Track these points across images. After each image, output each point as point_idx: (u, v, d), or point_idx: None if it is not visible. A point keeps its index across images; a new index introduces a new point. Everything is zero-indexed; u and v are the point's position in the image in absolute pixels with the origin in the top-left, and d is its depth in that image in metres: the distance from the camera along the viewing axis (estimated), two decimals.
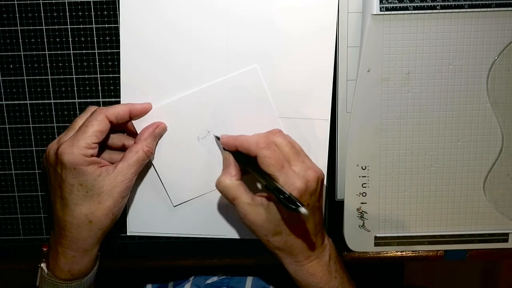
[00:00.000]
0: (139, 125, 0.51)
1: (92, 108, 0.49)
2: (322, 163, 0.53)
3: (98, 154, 0.49)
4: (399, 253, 0.57)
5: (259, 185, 0.53)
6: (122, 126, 0.52)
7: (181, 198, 0.54)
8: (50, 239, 0.50)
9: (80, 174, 0.46)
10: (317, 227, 0.49)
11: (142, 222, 0.55)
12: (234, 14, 0.51)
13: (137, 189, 0.54)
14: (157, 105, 0.52)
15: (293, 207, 0.43)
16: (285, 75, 0.52)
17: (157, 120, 0.52)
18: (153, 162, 0.53)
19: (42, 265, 0.50)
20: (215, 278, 0.62)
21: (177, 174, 0.53)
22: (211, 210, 0.55)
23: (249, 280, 0.61)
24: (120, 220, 0.56)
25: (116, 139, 0.52)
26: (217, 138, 0.52)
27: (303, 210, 0.42)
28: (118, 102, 0.53)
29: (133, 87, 0.52)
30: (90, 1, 0.51)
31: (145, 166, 0.53)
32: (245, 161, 0.49)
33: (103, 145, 0.51)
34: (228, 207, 0.55)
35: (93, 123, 0.47)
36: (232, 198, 0.48)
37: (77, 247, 0.48)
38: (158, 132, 0.51)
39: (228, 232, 0.56)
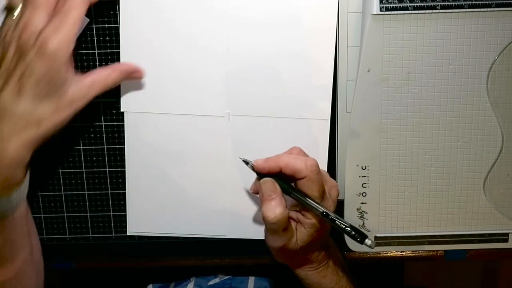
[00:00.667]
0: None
1: None
2: (322, 163, 0.53)
3: None
4: (399, 253, 0.57)
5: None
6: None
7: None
8: None
9: (55, 69, 0.40)
10: (328, 233, 0.49)
11: (142, 222, 0.55)
12: (234, 14, 0.51)
13: (137, 189, 0.54)
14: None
15: (359, 239, 0.43)
16: (285, 75, 0.52)
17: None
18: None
19: None
20: (217, 280, 0.62)
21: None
22: (211, 210, 0.55)
23: (251, 280, 0.61)
24: (120, 220, 0.56)
25: None
26: (246, 163, 0.47)
27: (369, 242, 0.42)
28: (119, 101, 0.53)
29: (133, 87, 0.52)
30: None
31: (145, 167, 0.53)
32: (287, 188, 0.45)
33: None
34: (228, 207, 0.55)
35: (77, 7, 0.41)
36: (283, 228, 0.45)
37: None
38: (131, 71, 0.48)
39: (228, 232, 0.56)
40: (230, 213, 0.55)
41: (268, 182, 0.45)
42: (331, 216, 0.44)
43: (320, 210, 0.44)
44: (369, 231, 0.55)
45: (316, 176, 0.44)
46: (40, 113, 0.41)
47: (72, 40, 0.41)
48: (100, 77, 0.45)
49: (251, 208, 0.55)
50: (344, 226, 0.44)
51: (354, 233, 0.43)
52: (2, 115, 0.40)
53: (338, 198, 0.55)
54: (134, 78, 0.50)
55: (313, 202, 0.44)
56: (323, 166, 0.54)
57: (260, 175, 0.46)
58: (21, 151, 0.41)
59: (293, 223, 0.46)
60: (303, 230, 0.46)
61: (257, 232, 0.55)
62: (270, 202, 0.44)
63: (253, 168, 0.46)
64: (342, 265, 0.51)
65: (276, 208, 0.43)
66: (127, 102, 0.52)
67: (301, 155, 0.48)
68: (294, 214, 0.47)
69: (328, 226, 0.47)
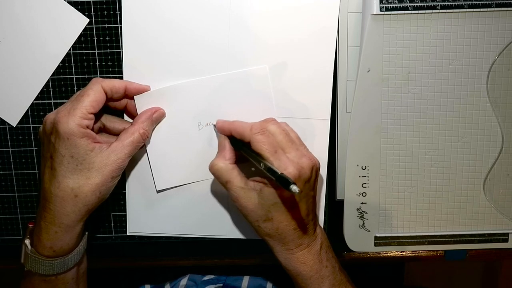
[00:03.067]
0: (141, 109, 0.51)
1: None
2: (322, 163, 0.53)
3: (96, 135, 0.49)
4: (399, 253, 0.57)
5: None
6: (119, 106, 0.51)
7: (166, 184, 0.54)
8: (36, 214, 0.49)
9: (73, 145, 0.46)
10: (309, 215, 0.48)
11: (142, 222, 0.55)
12: (235, 14, 0.51)
13: (137, 189, 0.54)
14: (159, 87, 0.51)
15: (286, 185, 0.42)
16: (285, 75, 0.52)
17: (157, 102, 0.51)
18: (147, 143, 0.52)
19: (26, 241, 0.49)
20: (211, 276, 0.62)
21: (168, 159, 0.53)
22: (211, 210, 0.55)
23: (246, 279, 0.61)
24: (120, 220, 0.56)
25: (117, 123, 0.52)
26: (214, 126, 0.52)
27: (294, 188, 0.41)
28: None
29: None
30: (90, 1, 0.51)
31: (145, 167, 0.53)
32: (240, 145, 0.49)
33: (103, 129, 0.51)
34: (228, 207, 0.55)
35: (89, 93, 0.47)
36: (225, 181, 0.48)
37: (60, 222, 0.47)
38: (156, 117, 0.51)
39: (228, 232, 0.56)
40: (230, 213, 0.55)
41: (220, 138, 0.51)
42: (263, 167, 0.45)
43: (257, 165, 0.46)
44: (369, 231, 0.55)
45: (259, 138, 0.46)
46: (73, 186, 0.46)
47: (80, 121, 0.46)
48: (124, 139, 0.49)
49: None
50: (275, 174, 0.44)
51: (283, 178, 0.43)
52: (49, 199, 0.47)
53: (338, 198, 0.56)
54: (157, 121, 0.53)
55: (253, 159, 0.47)
56: (323, 166, 0.54)
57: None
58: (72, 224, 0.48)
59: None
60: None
61: None
62: (217, 155, 0.50)
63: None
64: (328, 255, 0.51)
65: (218, 160, 0.49)
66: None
67: (270, 123, 0.48)
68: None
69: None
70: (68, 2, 0.51)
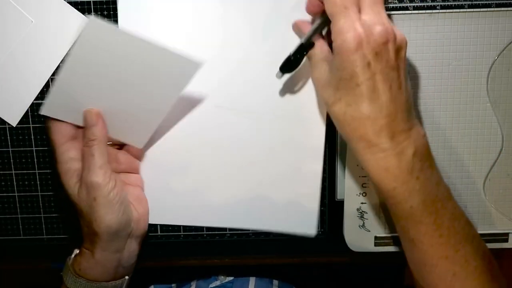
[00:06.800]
0: None
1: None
2: (322, 163, 0.53)
3: None
4: (399, 253, 0.57)
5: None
6: None
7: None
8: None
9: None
10: (395, 106, 0.39)
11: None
12: (233, 15, 0.51)
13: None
14: None
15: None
16: (285, 75, 0.52)
17: None
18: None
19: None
20: (217, 282, 0.62)
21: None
22: (211, 203, 0.55)
23: (252, 280, 0.61)
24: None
25: None
26: None
27: (278, 73, 0.43)
28: None
29: None
30: (90, 1, 0.52)
31: (145, 162, 0.53)
32: None
33: None
34: (233, 196, 0.55)
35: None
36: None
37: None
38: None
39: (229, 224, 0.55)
40: (231, 206, 0.55)
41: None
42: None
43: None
44: (369, 231, 0.55)
45: None
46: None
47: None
48: None
49: (251, 200, 0.55)
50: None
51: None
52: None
53: (338, 198, 0.56)
54: None
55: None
56: (323, 166, 0.54)
57: None
58: None
59: None
60: None
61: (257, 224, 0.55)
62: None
63: None
64: (423, 165, 0.41)
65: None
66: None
67: None
68: None
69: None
70: (68, 2, 0.51)
